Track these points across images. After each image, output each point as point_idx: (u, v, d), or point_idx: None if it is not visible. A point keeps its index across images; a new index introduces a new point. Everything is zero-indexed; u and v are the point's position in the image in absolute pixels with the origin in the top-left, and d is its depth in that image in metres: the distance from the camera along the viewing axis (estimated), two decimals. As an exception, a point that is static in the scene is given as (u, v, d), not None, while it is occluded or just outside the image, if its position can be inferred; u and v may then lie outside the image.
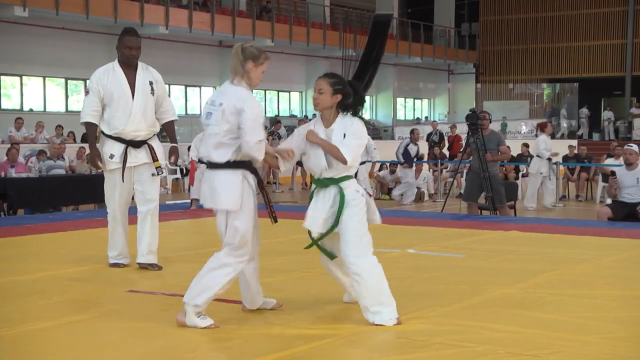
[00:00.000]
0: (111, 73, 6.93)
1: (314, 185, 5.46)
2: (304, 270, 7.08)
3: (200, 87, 28.09)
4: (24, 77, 23.43)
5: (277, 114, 30.62)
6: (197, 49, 26.96)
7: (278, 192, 20.74)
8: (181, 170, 21.46)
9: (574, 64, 36.89)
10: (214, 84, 28.11)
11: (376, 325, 5.03)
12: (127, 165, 6.95)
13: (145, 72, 7.08)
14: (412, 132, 18.65)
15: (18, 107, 23.39)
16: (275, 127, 24.99)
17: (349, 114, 5.31)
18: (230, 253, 5.13)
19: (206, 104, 5.20)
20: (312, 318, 5.30)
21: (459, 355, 4.47)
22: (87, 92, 6.95)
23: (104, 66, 7.06)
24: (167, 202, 14.64)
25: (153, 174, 7.13)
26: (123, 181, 6.98)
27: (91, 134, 6.94)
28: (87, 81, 7.04)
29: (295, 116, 28.15)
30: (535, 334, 4.88)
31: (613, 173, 10.87)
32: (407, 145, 18.07)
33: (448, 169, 20.62)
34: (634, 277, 6.85)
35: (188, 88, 27.83)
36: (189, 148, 14.64)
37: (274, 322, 5.15)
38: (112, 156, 6.92)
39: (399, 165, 18.55)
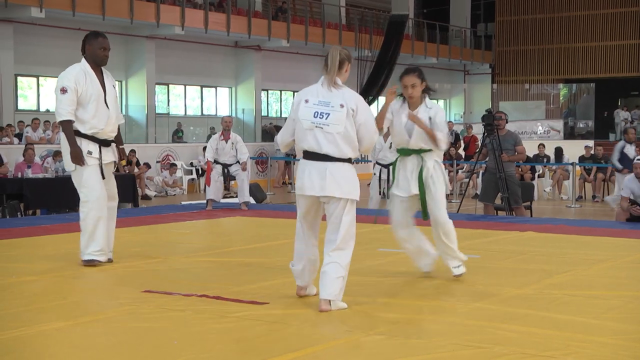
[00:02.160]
0: (86, 74, 7.14)
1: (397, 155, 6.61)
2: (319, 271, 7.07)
3: (216, 87, 28.15)
4: (40, 78, 23.56)
5: (292, 114, 30.64)
6: (212, 50, 27.02)
7: (293, 193, 20.73)
8: (197, 170, 21.52)
9: (591, 64, 36.71)
10: (230, 85, 28.16)
11: (455, 276, 6.47)
12: (103, 162, 7.19)
13: (107, 76, 7.37)
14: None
15: (34, 108, 23.52)
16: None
17: (427, 97, 6.55)
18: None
19: (312, 104, 5.55)
20: (329, 318, 5.31)
21: (475, 355, 4.47)
22: (64, 91, 7.06)
23: (74, 67, 7.22)
24: (183, 203, 14.68)
25: (114, 171, 7.49)
26: (104, 178, 7.20)
27: (71, 131, 7.09)
28: (59, 80, 7.15)
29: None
30: (550, 334, 4.87)
31: (633, 202, 10.75)
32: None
33: (464, 169, 20.59)
34: (651, 278, 6.83)
35: (204, 88, 27.89)
36: (204, 149, 14.70)
37: (290, 322, 5.16)
38: (90, 152, 7.12)
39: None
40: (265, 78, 28.57)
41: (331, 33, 29.45)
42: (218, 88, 28.25)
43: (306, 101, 5.58)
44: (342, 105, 5.46)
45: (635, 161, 10.98)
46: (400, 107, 6.51)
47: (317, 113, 5.48)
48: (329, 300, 5.44)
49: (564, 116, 35.50)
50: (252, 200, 13.72)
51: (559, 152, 21.02)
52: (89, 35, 7.32)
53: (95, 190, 7.12)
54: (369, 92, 26.78)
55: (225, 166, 12.90)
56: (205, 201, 12.99)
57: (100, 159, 7.16)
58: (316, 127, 5.47)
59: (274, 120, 28.73)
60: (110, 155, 7.31)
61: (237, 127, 25.54)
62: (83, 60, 7.23)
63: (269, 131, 26.53)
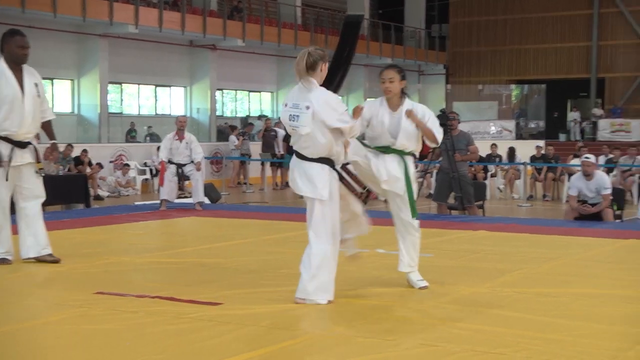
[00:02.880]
0: (2, 75, 7.05)
1: (370, 151, 6.22)
2: (274, 271, 7.09)
3: (170, 87, 27.96)
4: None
5: (248, 114, 30.57)
6: (167, 49, 26.83)
7: (249, 193, 20.71)
8: (150, 170, 21.36)
9: (542, 65, 37.19)
10: (185, 84, 28.00)
11: (420, 288, 6.24)
12: (13, 164, 7.12)
13: (30, 74, 7.24)
14: None
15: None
16: (248, 129, 24.94)
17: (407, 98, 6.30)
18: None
19: (289, 107, 5.75)
20: (283, 318, 5.32)
21: (427, 354, 4.52)
22: None
23: None
24: (136, 203, 14.58)
25: (36, 172, 7.40)
26: (7, 180, 7.14)
27: None
28: None
29: (267, 116, 28.08)
30: (501, 332, 4.94)
31: (582, 201, 10.95)
32: None
33: (418, 169, 20.74)
34: (598, 275, 6.96)
35: (158, 88, 27.69)
36: (158, 148, 14.59)
37: (245, 322, 5.16)
38: None
39: None
40: (220, 77, 28.45)
41: (287, 33, 29.44)
42: (172, 87, 28.06)
43: (285, 105, 5.77)
44: (307, 107, 5.60)
45: (583, 159, 11.17)
46: (379, 107, 6.23)
47: (291, 116, 5.69)
48: (302, 298, 5.70)
49: (515, 116, 35.93)
50: (207, 201, 13.67)
51: (512, 151, 21.25)
52: (5, 33, 7.22)
53: None
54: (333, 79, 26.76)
55: (180, 166, 12.83)
56: (159, 201, 12.92)
57: (9, 162, 7.09)
58: (293, 129, 5.71)
59: (229, 120, 28.61)
60: (27, 156, 7.24)
61: (192, 126, 25.38)
62: (1, 60, 7.12)
63: (224, 131, 26.44)
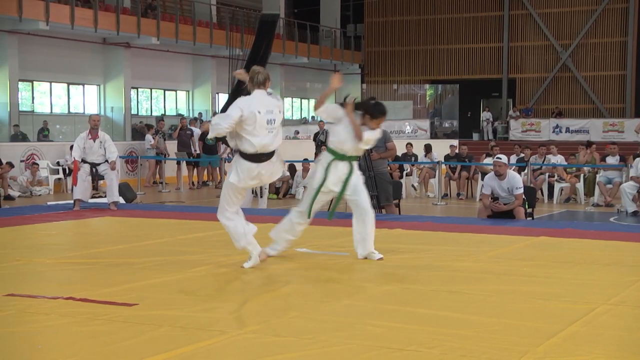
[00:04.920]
0: None
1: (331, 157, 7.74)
2: (189, 271, 7.04)
3: (83, 85, 27.46)
4: None
5: (163, 112, 30.24)
6: (80, 46, 26.34)
7: (165, 192, 20.49)
8: (64, 170, 20.93)
9: (455, 65, 37.86)
10: (98, 82, 27.54)
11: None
12: None
13: None
14: None
15: None
16: (159, 126, 24.67)
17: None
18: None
19: (264, 112, 6.83)
20: (199, 318, 5.30)
21: (344, 352, 4.56)
22: None
23: None
24: (49, 203, 14.29)
25: None
26: None
27: None
28: None
29: (182, 115, 27.80)
30: (415, 329, 5.02)
31: (495, 199, 11.18)
32: None
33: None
34: (509, 272, 7.12)
35: (71, 86, 27.16)
36: (71, 147, 14.32)
37: (160, 323, 5.12)
38: None
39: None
40: (135, 76, 28.08)
41: (202, 31, 29.24)
42: (86, 86, 27.56)
43: (258, 112, 6.79)
44: (280, 111, 6.98)
45: (495, 159, 11.39)
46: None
47: (269, 120, 6.88)
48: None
49: (430, 116, 36.49)
50: (122, 200, 13.48)
51: (428, 148, 21.47)
52: None
53: None
54: (241, 91, 26.62)
55: (94, 165, 12.64)
56: (72, 201, 12.69)
57: None
58: (270, 132, 6.95)
59: (144, 119, 28.27)
60: None
61: (106, 125, 25.00)
62: None
63: (140, 130, 26.08)
